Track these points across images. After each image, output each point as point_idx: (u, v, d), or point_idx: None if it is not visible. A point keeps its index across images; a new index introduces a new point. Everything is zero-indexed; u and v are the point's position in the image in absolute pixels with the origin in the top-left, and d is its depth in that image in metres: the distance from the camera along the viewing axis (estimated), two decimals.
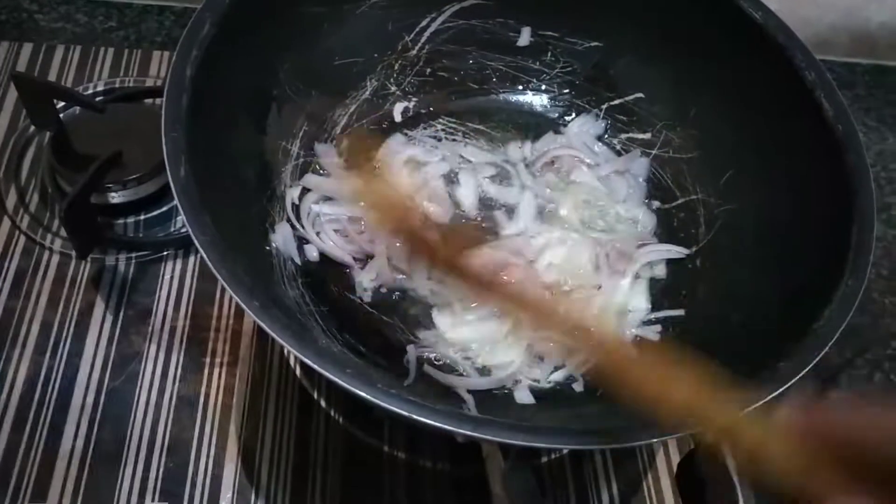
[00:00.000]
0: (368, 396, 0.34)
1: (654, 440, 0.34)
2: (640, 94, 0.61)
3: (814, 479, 0.25)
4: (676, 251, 0.56)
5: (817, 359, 0.38)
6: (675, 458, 0.53)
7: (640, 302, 0.54)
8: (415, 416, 0.34)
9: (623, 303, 0.54)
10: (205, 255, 0.37)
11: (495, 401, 0.49)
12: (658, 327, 0.53)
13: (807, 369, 0.38)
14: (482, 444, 0.41)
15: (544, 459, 0.54)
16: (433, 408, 0.34)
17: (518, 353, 0.50)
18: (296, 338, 0.36)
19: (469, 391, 0.48)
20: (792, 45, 0.51)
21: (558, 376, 0.50)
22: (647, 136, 0.60)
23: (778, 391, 0.37)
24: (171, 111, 0.41)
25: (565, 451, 0.54)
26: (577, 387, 0.50)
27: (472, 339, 0.50)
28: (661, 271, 0.56)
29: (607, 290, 0.54)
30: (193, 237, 0.37)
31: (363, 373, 0.36)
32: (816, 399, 0.26)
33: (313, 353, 0.35)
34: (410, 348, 0.50)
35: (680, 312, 0.53)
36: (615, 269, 0.54)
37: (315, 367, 0.35)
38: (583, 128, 0.62)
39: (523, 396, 0.48)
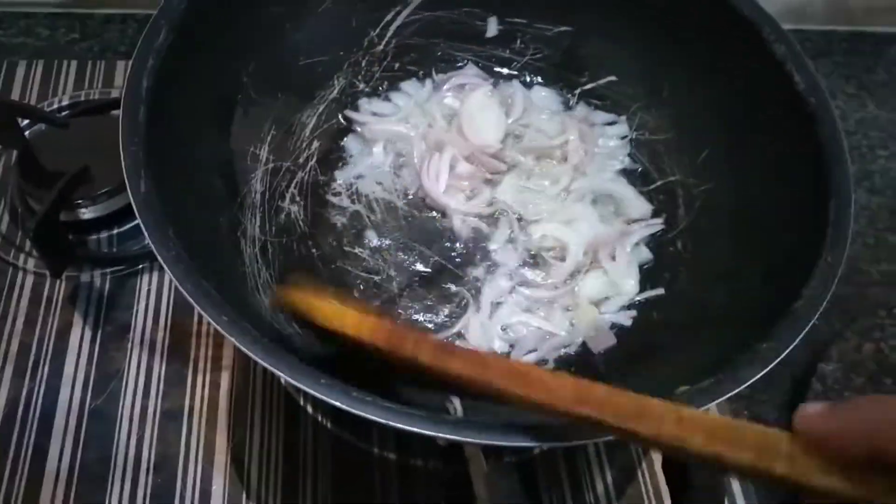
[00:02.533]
0: (343, 406, 0.34)
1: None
2: (613, 77, 0.60)
3: (858, 488, 0.24)
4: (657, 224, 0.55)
5: (798, 338, 0.38)
6: None
7: (630, 284, 0.54)
8: (391, 423, 0.33)
9: (613, 285, 0.54)
10: (169, 272, 0.36)
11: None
12: (633, 312, 0.52)
13: (787, 351, 0.37)
14: (463, 446, 0.40)
15: (536, 451, 0.53)
16: (409, 413, 0.34)
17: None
18: (266, 350, 0.35)
19: None
20: (760, 19, 0.50)
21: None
22: (623, 118, 0.60)
23: (759, 374, 0.36)
24: (128, 124, 0.40)
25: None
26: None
27: None
28: (646, 255, 0.55)
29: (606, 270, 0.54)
30: (157, 254, 0.36)
31: (338, 382, 0.35)
32: (830, 406, 0.25)
33: (285, 365, 0.35)
34: None
35: (660, 291, 0.53)
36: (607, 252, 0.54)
37: (288, 378, 0.34)
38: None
39: None
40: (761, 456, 0.26)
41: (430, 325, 0.52)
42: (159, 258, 0.36)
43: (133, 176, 0.38)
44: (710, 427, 0.27)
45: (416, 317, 0.52)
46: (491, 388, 0.33)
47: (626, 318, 0.52)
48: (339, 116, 0.59)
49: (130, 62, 0.43)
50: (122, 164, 0.39)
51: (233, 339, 0.35)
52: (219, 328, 0.35)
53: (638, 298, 0.53)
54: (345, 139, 0.59)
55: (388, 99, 0.61)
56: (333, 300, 0.39)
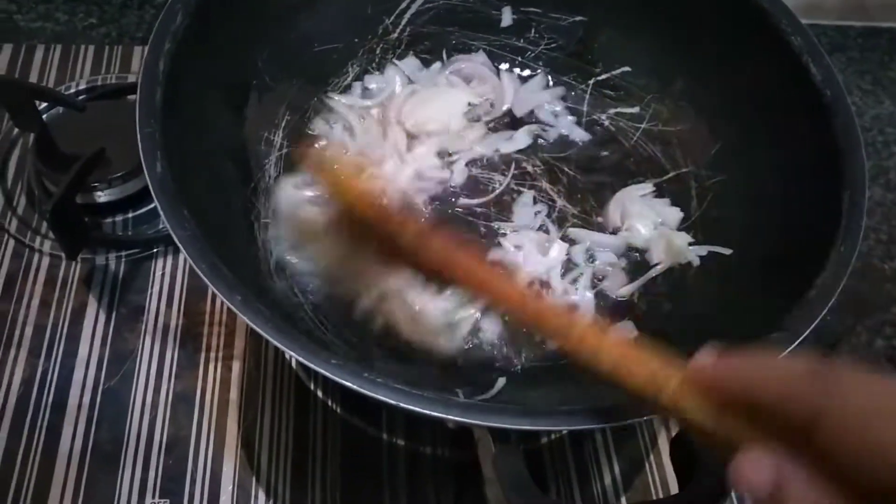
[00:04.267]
0: (354, 386, 0.34)
1: (643, 418, 0.34)
2: (627, 68, 0.60)
3: (724, 428, 0.27)
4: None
5: (810, 328, 0.38)
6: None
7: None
8: (402, 405, 0.34)
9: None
10: (184, 251, 0.36)
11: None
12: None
13: (800, 339, 0.37)
14: (472, 428, 0.41)
15: (544, 440, 0.54)
16: (420, 395, 0.34)
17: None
18: (278, 330, 0.35)
19: None
20: (777, 10, 0.50)
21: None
22: (636, 109, 0.60)
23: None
24: (145, 106, 0.41)
25: (564, 432, 0.54)
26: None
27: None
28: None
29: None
30: (172, 233, 0.37)
31: (349, 362, 0.35)
32: (722, 353, 0.28)
33: (298, 345, 0.35)
34: None
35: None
36: None
37: (300, 358, 0.34)
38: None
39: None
40: (651, 384, 0.30)
41: None
42: (174, 237, 0.37)
43: (149, 157, 0.39)
44: (621, 347, 0.32)
45: None
46: (457, 275, 0.37)
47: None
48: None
49: (147, 45, 0.43)
50: (139, 144, 0.39)
51: (245, 319, 0.35)
52: (232, 307, 0.35)
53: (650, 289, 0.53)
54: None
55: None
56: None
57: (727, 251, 0.51)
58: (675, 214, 0.55)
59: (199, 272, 0.36)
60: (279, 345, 0.35)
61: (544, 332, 0.36)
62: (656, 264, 0.53)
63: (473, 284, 0.37)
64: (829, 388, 0.24)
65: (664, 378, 0.29)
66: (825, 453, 0.23)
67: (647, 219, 0.54)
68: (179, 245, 0.36)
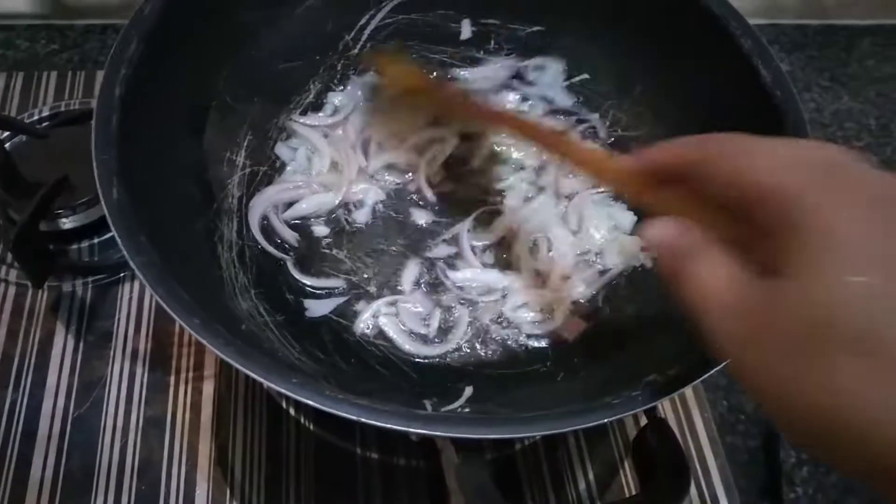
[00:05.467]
0: (315, 404, 0.34)
1: (602, 421, 0.34)
2: (586, 76, 0.61)
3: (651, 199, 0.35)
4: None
5: None
6: None
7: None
8: (363, 419, 0.34)
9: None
10: (141, 276, 0.36)
11: None
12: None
13: None
14: (435, 440, 0.41)
15: (518, 447, 0.54)
16: (382, 409, 0.34)
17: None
18: (239, 352, 0.35)
19: None
20: (727, 14, 0.51)
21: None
22: (596, 115, 0.60)
23: (725, 363, 0.37)
24: (101, 133, 0.41)
25: (538, 438, 0.54)
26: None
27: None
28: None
29: None
30: (128, 259, 0.37)
31: (310, 380, 0.35)
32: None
33: (258, 366, 0.35)
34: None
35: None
36: None
37: (259, 378, 0.35)
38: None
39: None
40: (601, 171, 0.39)
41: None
42: (130, 263, 0.37)
43: (105, 183, 0.39)
44: (583, 151, 0.42)
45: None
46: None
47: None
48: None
49: (104, 71, 0.43)
50: (94, 171, 0.39)
51: (204, 342, 0.35)
52: (191, 331, 0.35)
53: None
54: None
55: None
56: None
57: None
58: (629, 218, 0.55)
59: (157, 297, 0.36)
60: (238, 366, 0.35)
61: (538, 145, 0.45)
62: (610, 269, 0.54)
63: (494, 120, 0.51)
64: (710, 143, 0.32)
65: (609, 167, 0.38)
66: (708, 192, 0.31)
67: (601, 223, 0.55)
68: (135, 270, 0.36)
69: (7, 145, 0.61)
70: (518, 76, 0.62)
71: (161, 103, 0.47)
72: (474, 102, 0.55)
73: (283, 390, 0.34)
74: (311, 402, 0.34)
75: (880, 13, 0.84)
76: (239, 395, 0.54)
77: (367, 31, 0.60)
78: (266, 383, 0.35)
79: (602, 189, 0.57)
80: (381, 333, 0.51)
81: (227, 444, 0.52)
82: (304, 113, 0.59)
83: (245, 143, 0.55)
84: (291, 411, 0.54)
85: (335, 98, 0.60)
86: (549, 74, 0.61)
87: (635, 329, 0.49)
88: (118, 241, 0.37)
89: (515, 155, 0.59)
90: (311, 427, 0.53)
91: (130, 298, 0.57)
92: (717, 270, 0.29)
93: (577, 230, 0.55)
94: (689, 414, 0.54)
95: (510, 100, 0.62)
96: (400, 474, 0.52)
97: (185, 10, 0.48)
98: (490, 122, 0.54)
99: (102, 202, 0.38)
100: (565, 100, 0.61)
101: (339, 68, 0.61)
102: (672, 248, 0.31)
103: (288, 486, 0.51)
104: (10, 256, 0.59)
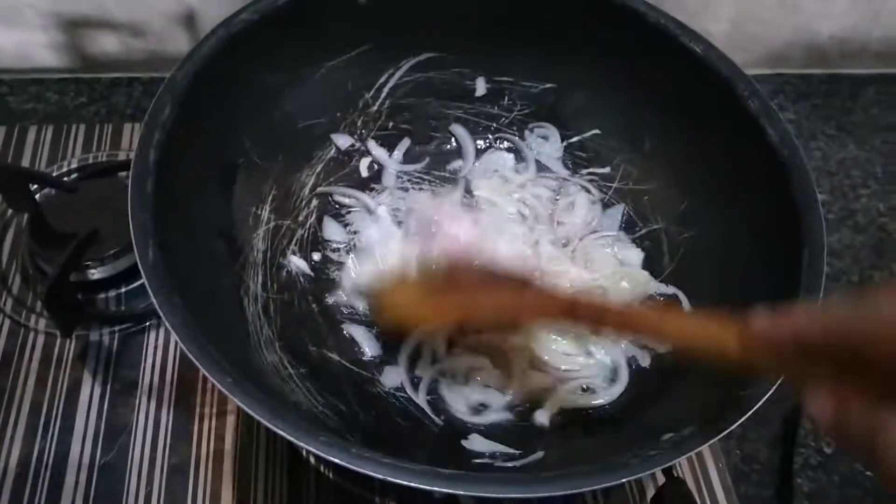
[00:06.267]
0: (343, 462, 0.35)
1: (620, 482, 0.35)
2: (597, 131, 0.63)
3: (786, 372, 0.32)
4: None
5: (774, 387, 0.39)
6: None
7: None
8: (389, 478, 0.35)
9: None
10: (176, 336, 0.38)
11: None
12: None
13: (766, 397, 0.39)
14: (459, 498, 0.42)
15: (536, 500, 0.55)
16: (406, 468, 0.36)
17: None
18: (269, 410, 0.37)
19: None
20: (734, 76, 0.53)
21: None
22: (607, 170, 0.62)
23: (739, 421, 0.38)
24: (137, 196, 0.43)
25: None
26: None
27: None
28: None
29: None
30: (164, 320, 0.39)
31: (337, 439, 0.37)
32: (772, 314, 0.31)
33: (288, 424, 0.37)
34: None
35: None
36: None
37: (289, 437, 0.36)
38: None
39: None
40: (716, 345, 0.34)
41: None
42: (166, 324, 0.38)
43: (142, 245, 0.41)
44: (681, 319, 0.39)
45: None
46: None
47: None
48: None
49: (139, 137, 0.45)
50: (132, 234, 0.41)
51: (236, 401, 0.37)
52: (223, 389, 0.37)
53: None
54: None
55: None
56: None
57: (686, 303, 0.54)
58: (637, 255, 0.58)
59: (192, 357, 0.37)
60: (270, 425, 0.36)
61: (606, 330, 0.41)
62: None
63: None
64: (865, 316, 0.27)
65: (726, 338, 0.33)
66: (874, 373, 0.27)
67: (608, 262, 0.57)
68: (172, 332, 0.38)
69: (37, 196, 0.63)
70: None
71: (192, 164, 0.49)
72: (508, 302, 0.45)
73: (312, 449, 0.36)
74: (338, 461, 0.36)
75: (883, 63, 0.86)
76: (260, 444, 0.55)
77: (385, 89, 0.63)
78: (296, 442, 0.36)
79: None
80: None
81: (248, 492, 0.53)
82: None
83: (270, 198, 0.57)
84: (311, 460, 0.55)
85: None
86: (551, 143, 0.64)
87: (651, 384, 0.50)
88: (154, 303, 0.39)
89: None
90: (331, 476, 0.54)
91: (156, 347, 0.59)
92: None
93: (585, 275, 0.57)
94: (703, 464, 0.55)
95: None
96: None
97: (215, 75, 0.51)
98: (528, 317, 0.47)
99: (139, 264, 0.40)
100: (560, 168, 0.64)
101: (359, 125, 0.63)
102: (855, 426, 0.28)
103: None
104: (38, 305, 0.61)
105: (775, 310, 0.31)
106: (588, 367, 0.53)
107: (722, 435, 0.38)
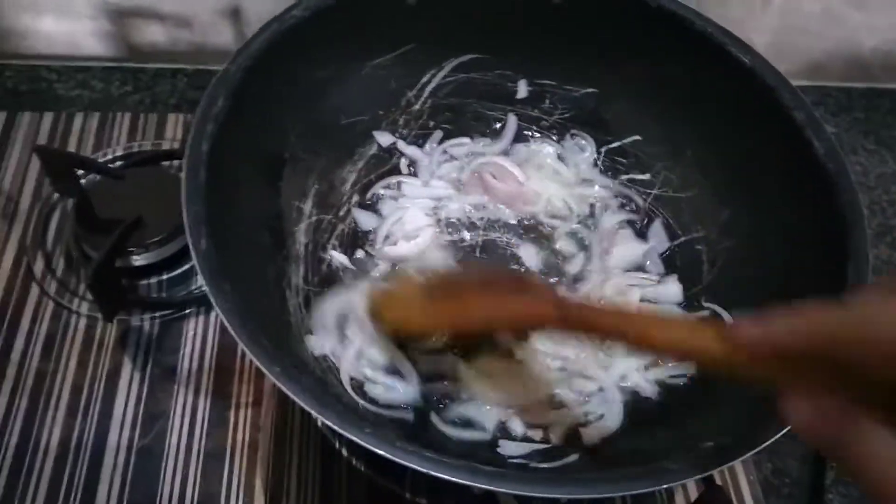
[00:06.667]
0: (388, 455, 0.36)
1: (661, 487, 0.35)
2: (638, 137, 0.63)
3: (771, 377, 0.30)
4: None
5: None
6: (694, 493, 0.54)
7: None
8: (432, 472, 0.36)
9: None
10: (227, 323, 0.39)
11: None
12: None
13: None
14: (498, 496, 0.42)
15: (565, 500, 0.55)
16: (449, 463, 0.36)
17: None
18: (317, 400, 0.37)
19: None
20: (781, 87, 0.53)
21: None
22: (647, 176, 0.62)
23: (778, 435, 0.38)
24: (190, 186, 0.44)
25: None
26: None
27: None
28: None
29: None
30: (215, 306, 0.39)
31: (382, 431, 0.37)
32: (755, 319, 0.30)
33: (334, 413, 0.37)
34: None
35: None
36: None
37: (336, 427, 0.36)
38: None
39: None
40: (703, 351, 0.33)
41: None
42: (218, 311, 0.39)
43: (195, 233, 0.42)
44: (672, 326, 0.37)
45: None
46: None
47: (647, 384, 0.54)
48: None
49: (192, 128, 0.46)
50: (185, 222, 0.42)
51: (285, 389, 0.37)
52: (272, 378, 0.38)
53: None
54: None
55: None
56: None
57: (727, 316, 0.54)
58: (676, 290, 0.57)
59: (242, 344, 0.38)
60: (315, 413, 0.37)
61: (600, 334, 0.40)
62: None
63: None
64: (851, 321, 0.26)
65: (710, 345, 0.32)
66: (858, 380, 0.26)
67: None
68: (223, 317, 0.39)
69: (83, 181, 0.64)
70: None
71: (241, 156, 0.50)
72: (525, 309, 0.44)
73: (355, 439, 0.36)
74: (383, 453, 0.36)
75: None
76: (294, 433, 0.56)
77: (428, 89, 0.63)
78: (340, 431, 0.37)
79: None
80: None
81: (282, 481, 0.54)
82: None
83: (312, 192, 0.58)
84: (344, 452, 0.56)
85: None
86: (588, 153, 0.65)
87: (689, 393, 0.50)
88: (206, 288, 0.40)
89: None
90: (363, 469, 0.55)
91: (195, 335, 0.60)
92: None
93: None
94: (734, 476, 0.55)
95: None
96: None
97: (266, 69, 0.51)
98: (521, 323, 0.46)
99: (192, 252, 0.41)
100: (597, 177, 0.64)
101: (400, 122, 0.64)
102: (831, 434, 0.27)
103: None
104: (81, 289, 0.62)
105: (758, 316, 0.30)
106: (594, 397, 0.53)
107: (763, 446, 0.38)
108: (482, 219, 0.62)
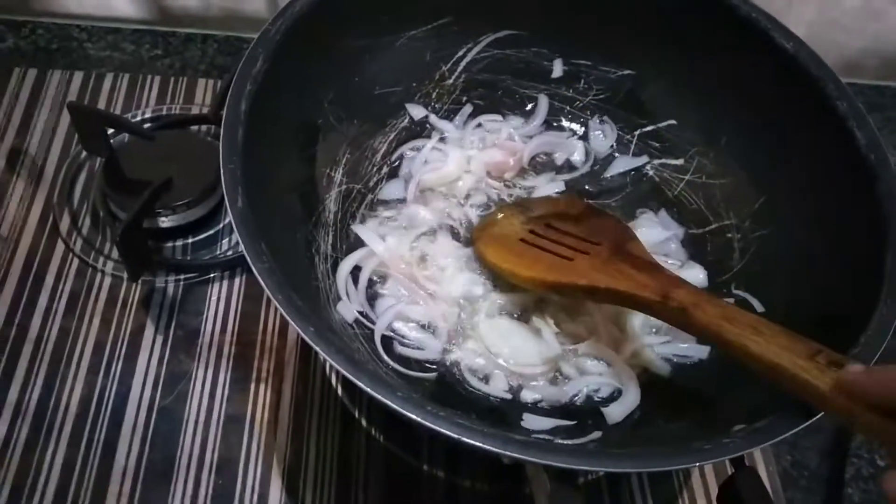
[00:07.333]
0: (419, 419, 0.36)
1: (693, 465, 0.35)
2: (673, 121, 0.62)
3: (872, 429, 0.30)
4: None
5: None
6: (711, 478, 0.54)
7: None
8: (464, 439, 0.35)
9: None
10: (263, 283, 0.39)
11: None
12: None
13: None
14: (526, 465, 0.42)
15: (581, 480, 0.55)
16: (481, 430, 0.36)
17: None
18: (350, 362, 0.37)
19: None
20: (824, 76, 0.52)
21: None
22: (681, 161, 0.62)
23: (816, 417, 0.38)
24: (228, 143, 0.43)
25: (601, 473, 0.55)
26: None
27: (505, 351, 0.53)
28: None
29: None
30: (252, 265, 0.39)
31: (411, 396, 0.37)
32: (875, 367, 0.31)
33: (367, 377, 0.37)
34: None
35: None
36: None
37: (369, 391, 0.36)
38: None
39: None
40: (803, 378, 0.34)
41: None
42: (254, 269, 0.39)
43: (232, 192, 0.41)
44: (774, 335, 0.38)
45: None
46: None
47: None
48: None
49: (231, 86, 0.46)
50: (222, 180, 0.42)
51: (320, 350, 0.37)
52: (307, 339, 0.37)
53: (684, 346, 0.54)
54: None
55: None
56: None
57: (759, 306, 0.53)
58: (699, 273, 0.57)
59: (278, 304, 0.38)
60: (349, 375, 0.37)
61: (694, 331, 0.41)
62: None
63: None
64: None
65: (816, 378, 0.33)
66: None
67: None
68: (259, 277, 0.39)
69: (112, 141, 0.64)
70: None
71: (277, 119, 0.50)
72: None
73: (388, 402, 0.36)
74: (414, 417, 0.36)
75: None
76: (314, 401, 0.56)
77: (462, 63, 0.63)
78: (373, 394, 0.36)
79: None
80: None
81: (301, 448, 0.54)
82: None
83: (343, 161, 0.58)
84: (363, 422, 0.56)
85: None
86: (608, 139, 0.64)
87: (717, 379, 0.50)
88: (242, 247, 0.40)
89: None
90: (381, 439, 0.55)
91: (218, 298, 0.60)
92: None
93: None
94: (753, 465, 0.55)
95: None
96: (464, 495, 0.53)
97: (305, 34, 0.51)
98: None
99: (228, 209, 0.41)
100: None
101: (433, 96, 0.63)
102: None
103: (356, 495, 0.53)
104: (107, 248, 0.62)
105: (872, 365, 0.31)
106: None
107: (795, 430, 0.37)
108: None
